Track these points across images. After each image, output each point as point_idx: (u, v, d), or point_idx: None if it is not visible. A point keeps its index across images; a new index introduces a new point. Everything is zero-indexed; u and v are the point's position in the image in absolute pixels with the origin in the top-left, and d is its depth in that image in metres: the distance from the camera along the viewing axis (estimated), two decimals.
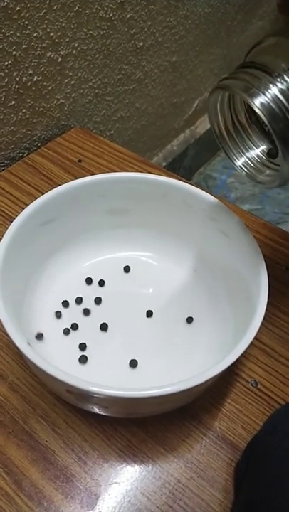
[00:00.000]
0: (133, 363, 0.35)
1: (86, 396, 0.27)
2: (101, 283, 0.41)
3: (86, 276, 0.41)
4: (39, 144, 0.58)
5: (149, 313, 0.39)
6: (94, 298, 0.39)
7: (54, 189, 0.36)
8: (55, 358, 0.34)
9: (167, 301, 0.40)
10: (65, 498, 0.30)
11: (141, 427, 0.33)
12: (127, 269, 0.42)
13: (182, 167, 1.00)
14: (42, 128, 0.58)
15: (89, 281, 0.41)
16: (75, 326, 0.37)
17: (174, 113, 0.88)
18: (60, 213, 0.38)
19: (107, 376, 0.34)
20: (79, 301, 0.39)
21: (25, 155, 0.57)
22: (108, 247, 0.42)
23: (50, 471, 0.31)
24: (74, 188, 0.37)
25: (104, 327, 0.38)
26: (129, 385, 0.29)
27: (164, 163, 0.92)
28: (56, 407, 0.34)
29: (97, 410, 0.31)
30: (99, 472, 0.31)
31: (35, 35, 0.49)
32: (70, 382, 0.25)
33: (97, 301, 0.39)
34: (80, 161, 0.55)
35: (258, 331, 0.29)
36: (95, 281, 0.41)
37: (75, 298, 0.39)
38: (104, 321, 0.38)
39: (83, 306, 0.39)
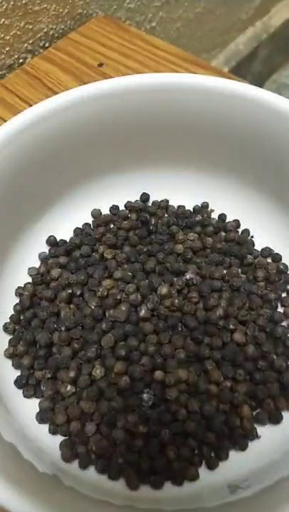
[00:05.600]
0: None
1: None
2: None
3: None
4: (46, 44, 0.42)
5: None
6: None
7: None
8: None
9: None
10: None
11: None
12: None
13: (250, 72, 0.82)
14: (48, 19, 0.41)
15: None
16: None
17: None
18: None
19: None
20: None
21: (26, 60, 0.41)
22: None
23: None
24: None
25: None
26: None
27: (226, 68, 0.73)
28: None
29: None
30: None
31: None
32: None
33: None
34: (100, 65, 0.39)
35: None
36: None
37: None
38: None
39: None
